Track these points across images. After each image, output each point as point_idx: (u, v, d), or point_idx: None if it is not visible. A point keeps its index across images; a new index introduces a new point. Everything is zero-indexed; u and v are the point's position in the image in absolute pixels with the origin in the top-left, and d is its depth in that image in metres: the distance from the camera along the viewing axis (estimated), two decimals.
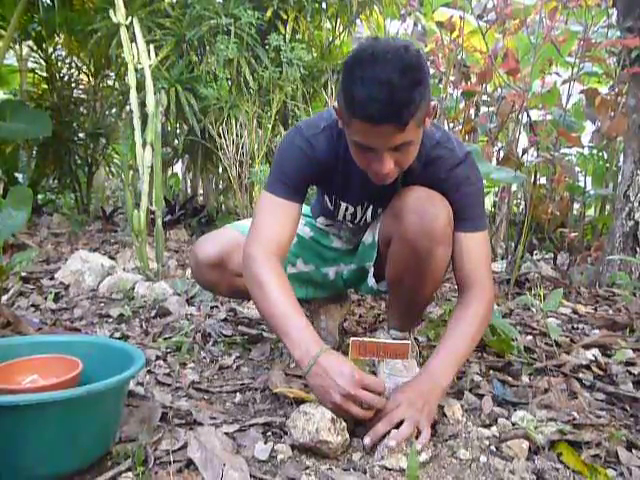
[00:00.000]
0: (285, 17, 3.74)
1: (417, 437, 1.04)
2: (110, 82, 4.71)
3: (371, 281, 1.48)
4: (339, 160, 1.29)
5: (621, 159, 2.90)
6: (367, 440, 1.03)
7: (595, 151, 3.55)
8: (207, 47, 3.59)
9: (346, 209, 1.44)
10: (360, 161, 1.15)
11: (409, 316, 1.43)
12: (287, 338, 1.12)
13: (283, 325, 1.13)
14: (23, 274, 2.37)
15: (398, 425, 1.04)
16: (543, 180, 3.13)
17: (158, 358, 1.51)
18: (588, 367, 1.52)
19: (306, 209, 1.68)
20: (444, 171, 1.25)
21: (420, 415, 1.06)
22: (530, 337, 1.76)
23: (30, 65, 4.75)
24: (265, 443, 1.05)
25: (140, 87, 2.58)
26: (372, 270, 1.47)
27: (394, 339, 1.40)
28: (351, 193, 1.39)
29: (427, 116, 1.12)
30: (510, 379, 1.43)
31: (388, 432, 1.04)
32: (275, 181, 1.28)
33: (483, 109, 3.37)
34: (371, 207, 1.42)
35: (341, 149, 1.27)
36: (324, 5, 4.06)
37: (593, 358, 1.57)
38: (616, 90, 2.93)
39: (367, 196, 1.38)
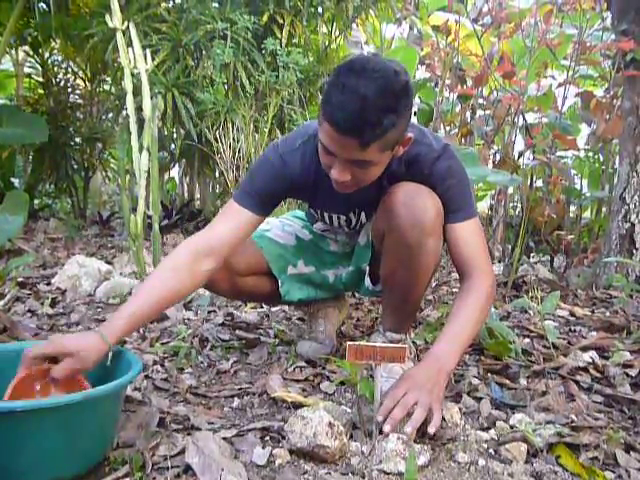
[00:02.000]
0: (281, 21, 3.75)
1: (429, 421, 1.05)
2: (106, 87, 4.71)
3: (367, 281, 1.50)
4: (318, 175, 1.29)
5: (617, 161, 2.91)
6: (387, 428, 1.03)
7: (591, 154, 3.56)
8: (203, 51, 3.60)
9: (338, 218, 1.47)
10: (323, 162, 1.18)
11: (403, 314, 1.43)
12: None
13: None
14: (19, 279, 2.36)
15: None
16: (539, 183, 3.14)
17: (155, 363, 1.51)
18: (586, 369, 1.52)
19: (301, 213, 1.70)
20: (427, 167, 1.27)
21: (430, 398, 1.07)
22: (527, 340, 1.77)
23: (26, 70, 4.76)
24: (263, 448, 1.05)
25: (136, 92, 2.57)
26: (367, 270, 1.48)
27: (390, 342, 1.40)
28: (338, 204, 1.41)
29: (401, 145, 1.16)
30: (508, 382, 1.43)
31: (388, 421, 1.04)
32: (242, 191, 1.33)
33: (479, 112, 3.38)
34: (363, 212, 1.44)
35: (321, 164, 1.27)
36: (320, 9, 4.08)
37: (590, 360, 1.58)
38: (611, 93, 2.95)
39: (356, 204, 1.41)
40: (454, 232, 1.28)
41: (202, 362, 1.55)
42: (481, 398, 1.32)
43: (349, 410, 1.20)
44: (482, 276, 1.25)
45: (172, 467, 0.96)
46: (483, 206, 3.97)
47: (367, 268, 1.49)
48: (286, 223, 1.64)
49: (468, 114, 3.31)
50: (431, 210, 1.23)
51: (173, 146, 4.30)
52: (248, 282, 1.52)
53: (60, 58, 4.64)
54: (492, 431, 1.16)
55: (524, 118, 2.92)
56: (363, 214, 1.44)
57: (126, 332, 1.14)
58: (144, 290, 1.19)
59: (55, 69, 4.61)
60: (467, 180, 1.32)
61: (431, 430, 1.03)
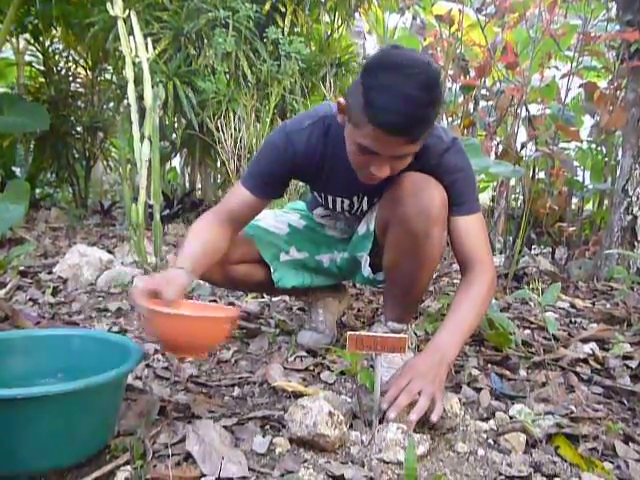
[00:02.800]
0: (283, 10, 3.73)
1: (431, 410, 1.05)
2: (108, 75, 4.69)
3: (366, 271, 1.49)
4: (323, 157, 1.32)
5: (620, 153, 2.89)
6: (392, 414, 1.04)
7: (594, 145, 3.55)
8: (205, 40, 3.57)
9: (342, 202, 1.46)
10: (357, 162, 1.18)
11: (406, 305, 1.43)
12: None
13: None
14: (21, 268, 2.37)
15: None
16: (542, 174, 3.13)
17: (156, 352, 1.51)
18: (586, 361, 1.53)
19: (301, 205, 1.69)
20: (434, 158, 1.27)
21: (433, 387, 1.08)
22: (528, 331, 1.77)
23: (27, 58, 4.73)
24: (263, 436, 1.05)
25: (138, 81, 2.56)
26: (367, 260, 1.48)
27: (392, 332, 1.40)
28: (341, 188, 1.41)
29: None
30: (508, 373, 1.44)
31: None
32: (247, 174, 1.38)
33: (482, 103, 3.36)
34: (366, 198, 1.44)
35: (328, 147, 1.31)
36: None
37: (591, 352, 1.58)
38: (615, 84, 2.93)
39: (360, 188, 1.40)
40: (457, 225, 1.29)
41: None
42: (481, 389, 1.32)
43: (349, 400, 1.20)
44: (484, 269, 1.26)
45: (173, 455, 0.97)
46: (485, 197, 3.95)
47: (367, 258, 1.49)
48: (279, 214, 1.64)
49: (471, 105, 3.29)
50: (437, 199, 1.23)
51: (174, 135, 4.29)
52: (240, 271, 1.53)
53: (61, 46, 4.61)
54: (491, 421, 1.17)
55: (527, 109, 2.91)
56: (366, 199, 1.44)
57: (195, 263, 1.20)
58: (188, 243, 1.25)
59: (56, 57, 4.58)
60: (473, 174, 1.33)
61: (434, 418, 1.04)
